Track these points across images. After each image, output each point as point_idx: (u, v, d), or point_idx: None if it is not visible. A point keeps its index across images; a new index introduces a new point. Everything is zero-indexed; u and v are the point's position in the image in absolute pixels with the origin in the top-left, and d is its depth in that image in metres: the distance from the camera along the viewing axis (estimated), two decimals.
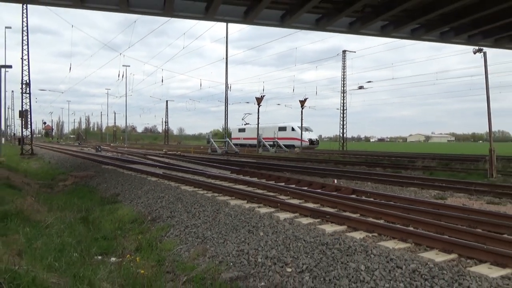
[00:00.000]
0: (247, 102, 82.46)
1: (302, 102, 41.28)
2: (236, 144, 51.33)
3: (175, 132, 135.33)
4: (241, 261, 5.96)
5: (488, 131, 15.85)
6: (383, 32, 19.28)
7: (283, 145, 43.41)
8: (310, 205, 8.59)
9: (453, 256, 5.06)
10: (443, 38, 20.89)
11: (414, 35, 20.11)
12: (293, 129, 45.45)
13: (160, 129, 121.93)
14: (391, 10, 16.46)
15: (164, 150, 42.77)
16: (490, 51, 23.33)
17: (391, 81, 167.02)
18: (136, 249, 6.96)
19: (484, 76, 15.29)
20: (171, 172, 16.10)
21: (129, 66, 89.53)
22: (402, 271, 4.57)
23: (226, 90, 41.81)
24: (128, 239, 7.73)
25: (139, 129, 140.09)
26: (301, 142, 41.98)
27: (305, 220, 7.16)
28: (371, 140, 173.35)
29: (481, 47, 15.49)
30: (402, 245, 5.55)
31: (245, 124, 57.97)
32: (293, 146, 43.62)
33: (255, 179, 13.71)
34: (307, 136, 44.46)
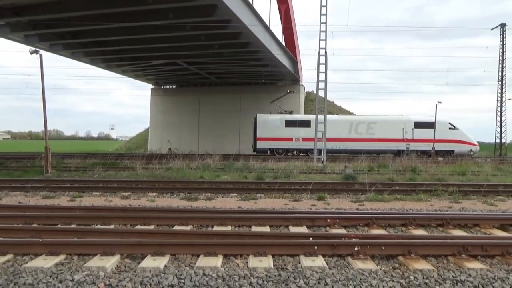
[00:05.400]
0: None
1: None
2: (274, 149, 28.90)
3: None
4: None
5: (44, 129, 16.00)
6: None
7: (436, 150, 26.71)
8: None
9: (8, 257, 4.75)
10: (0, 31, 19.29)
11: None
12: (452, 127, 29.14)
13: None
14: None
15: None
16: (48, 55, 23.94)
17: None
18: None
19: (41, 77, 15.31)
20: None
21: None
22: None
23: None
24: None
25: None
26: (473, 147, 29.00)
27: None
28: None
29: (38, 49, 15.40)
30: None
31: (284, 113, 30.26)
32: (450, 152, 28.17)
33: None
34: (470, 137, 29.56)
